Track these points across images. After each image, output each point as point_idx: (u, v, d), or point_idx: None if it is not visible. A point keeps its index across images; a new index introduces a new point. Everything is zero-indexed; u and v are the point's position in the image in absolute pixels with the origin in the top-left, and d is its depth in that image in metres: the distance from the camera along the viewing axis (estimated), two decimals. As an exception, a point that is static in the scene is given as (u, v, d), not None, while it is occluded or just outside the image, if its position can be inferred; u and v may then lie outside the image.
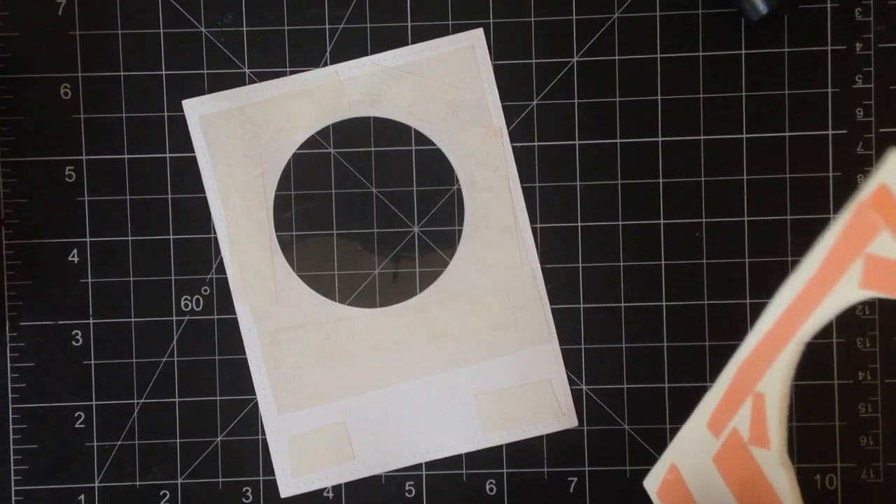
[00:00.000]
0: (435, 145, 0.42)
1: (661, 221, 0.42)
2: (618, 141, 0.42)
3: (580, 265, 0.42)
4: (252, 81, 0.42)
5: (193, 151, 0.42)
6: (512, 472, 0.42)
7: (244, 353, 0.42)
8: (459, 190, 0.42)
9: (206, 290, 0.42)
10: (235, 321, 0.42)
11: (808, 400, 0.42)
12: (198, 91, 0.42)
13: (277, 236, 0.42)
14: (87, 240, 0.42)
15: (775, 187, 0.42)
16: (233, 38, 0.42)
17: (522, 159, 0.42)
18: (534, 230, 0.42)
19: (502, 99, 0.42)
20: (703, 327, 0.42)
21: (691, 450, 0.33)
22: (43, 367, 0.42)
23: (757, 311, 0.42)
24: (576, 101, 0.42)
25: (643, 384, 0.42)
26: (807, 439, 0.42)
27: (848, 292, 0.24)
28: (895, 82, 0.42)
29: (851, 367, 0.42)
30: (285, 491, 0.42)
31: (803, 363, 0.41)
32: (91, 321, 0.42)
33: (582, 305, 0.42)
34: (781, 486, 0.29)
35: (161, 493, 0.42)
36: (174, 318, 0.42)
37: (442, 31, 0.42)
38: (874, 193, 0.23)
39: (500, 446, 0.42)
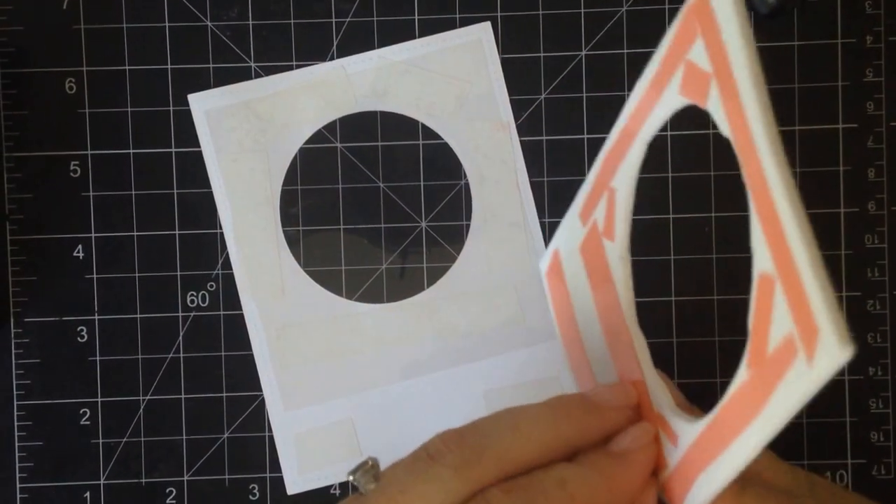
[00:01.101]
0: (442, 139, 0.42)
1: (671, 216, 0.42)
2: (626, 135, 0.41)
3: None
4: (258, 76, 0.42)
5: (199, 146, 0.41)
6: (520, 469, 0.42)
7: (250, 349, 0.41)
8: (467, 184, 0.42)
9: (212, 286, 0.42)
10: (242, 317, 0.42)
11: (819, 396, 0.41)
12: (203, 85, 0.41)
13: (284, 231, 0.42)
14: (93, 235, 0.42)
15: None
16: (239, 31, 0.42)
17: (530, 153, 0.42)
18: (542, 225, 0.42)
19: (510, 93, 0.41)
20: (712, 322, 0.41)
21: (566, 237, 0.34)
22: (48, 363, 0.42)
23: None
24: (584, 94, 0.42)
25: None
26: (817, 435, 0.41)
27: (672, 98, 0.25)
28: (906, 75, 0.41)
29: (862, 363, 0.41)
30: (292, 488, 0.42)
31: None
32: (96, 317, 0.42)
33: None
34: (619, 278, 0.31)
35: (167, 491, 0.42)
36: (180, 314, 0.42)
37: (449, 25, 0.42)
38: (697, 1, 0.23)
39: (509, 443, 0.42)
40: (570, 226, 0.33)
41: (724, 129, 0.23)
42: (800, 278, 0.21)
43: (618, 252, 0.31)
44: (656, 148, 0.41)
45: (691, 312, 0.41)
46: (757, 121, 0.21)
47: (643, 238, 0.41)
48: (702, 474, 0.25)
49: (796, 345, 0.21)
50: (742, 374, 0.24)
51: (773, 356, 0.22)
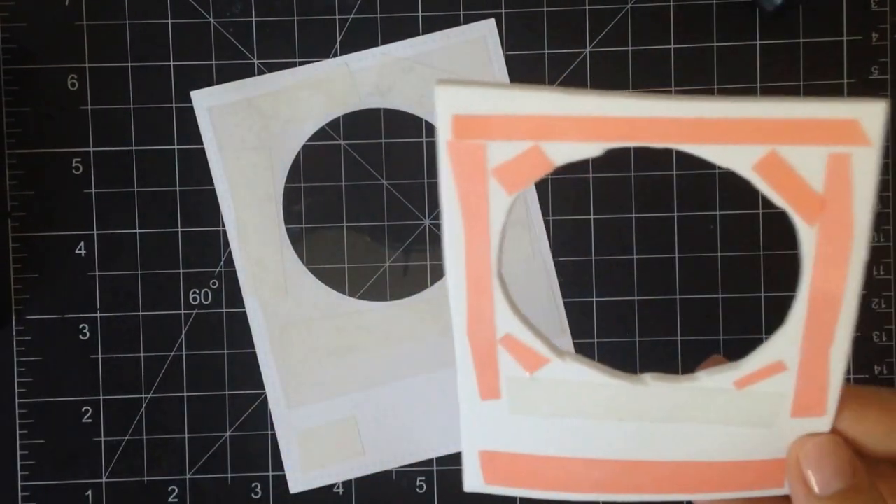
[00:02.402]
0: (446, 137, 0.41)
1: (675, 214, 0.41)
2: (631, 133, 0.41)
3: (593, 258, 0.41)
4: (261, 72, 0.41)
5: (202, 143, 0.41)
6: (524, 468, 0.42)
7: (253, 347, 0.41)
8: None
9: (214, 284, 0.41)
10: (244, 315, 0.41)
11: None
12: (206, 82, 0.41)
13: (287, 229, 0.41)
14: (95, 232, 0.41)
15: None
16: (242, 28, 0.41)
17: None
18: (546, 223, 0.41)
19: (514, 90, 0.41)
20: (716, 321, 0.41)
21: (483, 428, 0.30)
22: (50, 361, 0.41)
23: (771, 304, 0.41)
24: (588, 92, 0.41)
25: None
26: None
27: (498, 206, 0.25)
28: (912, 73, 0.41)
29: (867, 361, 0.41)
30: (295, 487, 0.41)
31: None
32: (98, 315, 0.41)
33: (594, 299, 0.41)
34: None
35: (169, 489, 0.41)
36: (182, 312, 0.41)
37: (453, 22, 0.41)
38: (454, 127, 0.24)
39: (512, 441, 0.41)
40: (483, 414, 0.29)
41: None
42: (798, 125, 0.23)
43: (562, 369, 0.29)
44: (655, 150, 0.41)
45: (695, 310, 0.41)
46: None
47: (646, 236, 0.41)
48: (832, 348, 0.25)
49: (843, 153, 0.23)
50: (807, 236, 0.25)
51: (828, 186, 0.24)
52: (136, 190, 0.41)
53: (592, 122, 0.24)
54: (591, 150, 0.25)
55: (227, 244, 0.41)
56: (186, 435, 0.41)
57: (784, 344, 0.25)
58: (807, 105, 0.22)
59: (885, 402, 0.26)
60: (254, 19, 0.41)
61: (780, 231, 0.41)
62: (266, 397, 0.41)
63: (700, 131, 0.24)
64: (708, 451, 0.28)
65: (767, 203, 0.41)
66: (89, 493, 0.41)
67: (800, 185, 0.24)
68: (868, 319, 0.41)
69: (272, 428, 0.41)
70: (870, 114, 0.22)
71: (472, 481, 0.30)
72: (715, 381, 0.27)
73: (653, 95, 0.24)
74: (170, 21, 0.41)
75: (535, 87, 0.24)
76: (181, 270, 0.41)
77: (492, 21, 0.41)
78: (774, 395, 0.26)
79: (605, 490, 0.29)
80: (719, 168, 0.42)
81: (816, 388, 0.26)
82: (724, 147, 0.24)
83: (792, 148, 0.23)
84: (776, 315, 0.41)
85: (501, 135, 0.24)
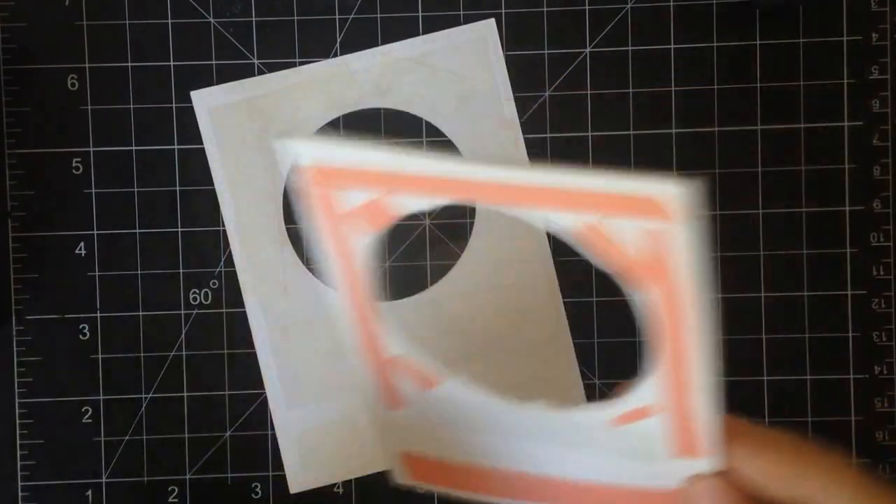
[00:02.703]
0: (446, 137, 0.41)
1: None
2: (631, 132, 0.41)
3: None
4: (261, 72, 0.41)
5: (202, 143, 0.41)
6: (524, 468, 0.42)
7: (253, 346, 0.41)
8: (423, 214, 0.41)
9: (214, 284, 0.41)
10: (244, 315, 0.41)
11: (824, 394, 0.41)
12: (206, 82, 0.41)
13: (287, 228, 0.41)
14: (95, 232, 0.41)
15: (790, 179, 0.41)
16: (242, 28, 0.41)
17: (535, 151, 0.41)
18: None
19: (514, 90, 0.41)
20: (717, 321, 0.41)
21: (393, 434, 0.32)
22: (50, 361, 0.41)
23: (770, 304, 0.41)
24: (588, 92, 0.41)
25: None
26: (822, 434, 0.41)
27: (361, 243, 0.27)
28: (911, 73, 0.41)
29: (867, 361, 0.41)
30: (295, 487, 0.41)
31: (818, 357, 0.41)
32: (98, 315, 0.41)
33: (595, 299, 0.41)
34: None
35: (169, 489, 0.41)
36: (182, 312, 0.41)
37: (453, 22, 0.41)
38: (314, 176, 0.26)
39: (512, 441, 0.41)
40: (392, 422, 0.32)
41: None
42: (615, 200, 0.23)
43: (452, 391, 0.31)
44: (660, 145, 0.41)
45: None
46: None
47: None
48: (692, 397, 0.26)
49: (653, 230, 0.23)
50: (654, 296, 0.25)
51: (647, 256, 0.24)
52: (136, 190, 0.41)
53: (429, 181, 0.25)
54: (424, 204, 0.26)
55: (227, 244, 0.41)
56: (186, 435, 0.41)
57: (653, 389, 0.26)
58: (620, 182, 0.23)
59: (780, 444, 0.26)
60: (254, 19, 0.41)
61: (781, 230, 0.41)
62: (266, 397, 0.41)
63: (528, 196, 0.24)
64: (597, 474, 0.29)
65: (767, 202, 0.42)
66: (89, 493, 0.41)
67: (618, 253, 0.24)
68: (868, 320, 0.41)
69: (272, 428, 0.41)
70: (668, 195, 0.22)
71: (399, 478, 0.33)
72: (590, 419, 0.28)
73: (481, 163, 0.25)
74: (170, 21, 0.41)
75: (376, 145, 0.25)
76: (181, 270, 0.41)
77: (492, 21, 0.41)
78: (648, 436, 0.27)
79: (510, 496, 0.31)
80: (719, 168, 0.42)
81: (687, 433, 0.26)
82: (548, 213, 0.24)
83: (612, 220, 0.24)
84: (775, 315, 0.41)
85: (346, 185, 0.26)
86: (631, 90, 0.41)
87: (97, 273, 0.41)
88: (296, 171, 0.26)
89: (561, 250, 0.41)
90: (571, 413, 0.28)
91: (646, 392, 0.26)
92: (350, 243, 0.27)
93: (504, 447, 0.30)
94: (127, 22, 0.41)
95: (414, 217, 0.41)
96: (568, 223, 0.24)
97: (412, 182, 0.25)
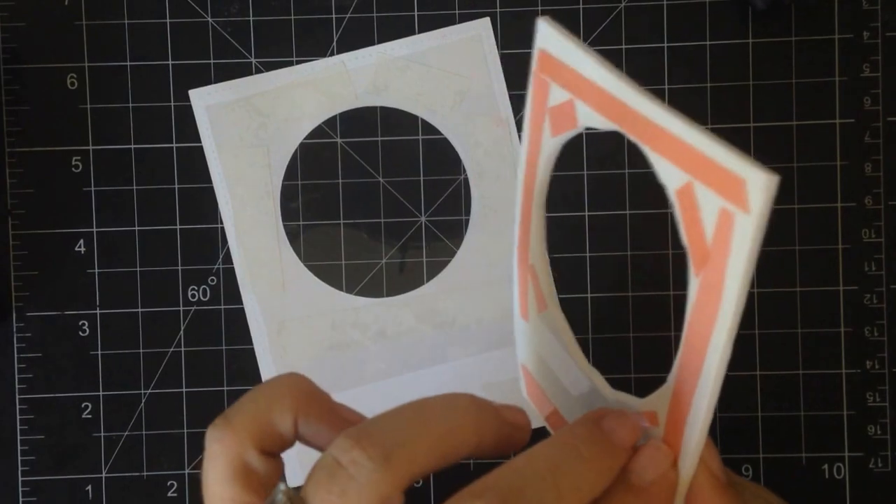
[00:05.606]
0: (442, 135, 0.42)
1: (669, 211, 0.42)
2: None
3: (588, 255, 0.42)
4: (259, 71, 0.42)
5: (200, 141, 0.42)
6: (519, 462, 0.42)
7: (251, 343, 0.42)
8: (466, 179, 0.42)
9: (213, 281, 0.42)
10: (242, 311, 0.42)
11: (817, 389, 0.42)
12: (204, 81, 0.42)
13: (284, 226, 0.42)
14: (94, 230, 0.42)
15: (782, 176, 0.42)
16: (239, 27, 0.42)
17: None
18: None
19: (509, 88, 0.42)
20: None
21: (520, 344, 0.33)
22: (49, 357, 0.42)
23: (762, 299, 0.42)
24: (583, 90, 0.42)
25: (651, 374, 0.42)
26: (815, 428, 0.42)
27: (546, 144, 0.28)
28: (903, 71, 0.42)
29: (859, 356, 0.42)
30: (292, 481, 0.42)
31: (811, 352, 0.42)
32: (98, 311, 0.42)
33: (589, 295, 0.42)
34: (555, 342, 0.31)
35: (168, 484, 0.42)
36: (181, 309, 0.42)
37: (449, 21, 0.42)
38: (539, 60, 0.27)
39: (508, 436, 0.42)
40: (520, 331, 0.32)
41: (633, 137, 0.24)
42: (712, 167, 0.22)
43: (555, 314, 0.31)
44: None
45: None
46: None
47: (641, 232, 0.42)
48: (690, 410, 0.25)
49: (729, 210, 0.21)
50: (692, 285, 0.23)
51: (714, 240, 0.22)
52: (134, 188, 0.42)
53: (608, 98, 0.25)
54: (599, 123, 0.26)
55: (225, 241, 0.42)
56: (185, 430, 0.42)
57: (661, 396, 0.26)
58: (715, 147, 0.21)
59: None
60: (251, 19, 0.42)
61: (772, 227, 0.42)
62: (264, 393, 0.42)
63: (655, 137, 0.24)
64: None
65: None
66: (89, 487, 0.42)
67: (698, 228, 0.22)
68: (860, 315, 0.42)
69: (270, 423, 0.42)
70: (755, 179, 0.21)
71: (523, 390, 0.33)
72: (620, 404, 0.28)
73: (646, 93, 0.24)
74: (168, 21, 0.42)
75: (592, 53, 0.25)
76: (180, 267, 0.42)
77: (487, 20, 0.42)
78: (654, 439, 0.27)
79: None
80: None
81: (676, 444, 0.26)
82: (664, 161, 0.23)
83: (702, 186, 0.22)
84: (768, 310, 0.42)
85: (560, 80, 0.26)
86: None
87: (96, 270, 0.42)
88: (533, 51, 0.27)
89: (556, 246, 0.42)
90: (618, 394, 0.28)
91: (657, 396, 0.26)
92: (542, 140, 0.28)
93: (563, 400, 0.30)
94: (126, 21, 0.42)
95: (410, 214, 0.42)
96: (673, 178, 0.23)
97: (597, 95, 0.25)
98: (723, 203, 0.21)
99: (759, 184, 0.21)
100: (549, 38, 0.26)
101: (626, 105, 0.24)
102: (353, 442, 0.24)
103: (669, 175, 0.23)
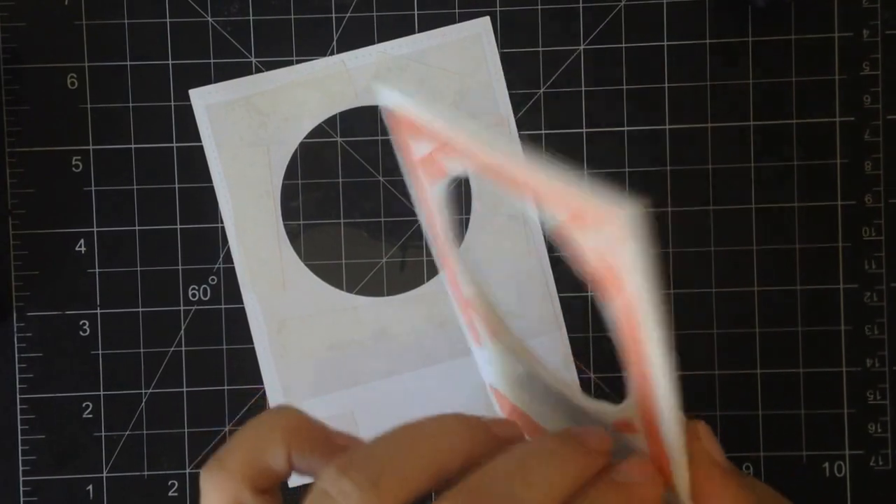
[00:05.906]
0: (442, 134, 0.42)
1: (669, 209, 0.42)
2: (625, 129, 0.42)
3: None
4: (259, 71, 0.42)
5: (200, 141, 0.42)
6: (520, 461, 0.42)
7: (251, 342, 0.42)
8: (466, 178, 0.42)
9: (213, 280, 0.42)
10: (243, 311, 0.42)
11: (817, 387, 0.42)
12: (204, 81, 0.42)
13: (285, 225, 0.42)
14: (95, 230, 0.42)
15: (782, 175, 0.42)
16: (239, 27, 0.42)
17: (529, 148, 0.42)
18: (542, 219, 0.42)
19: (509, 87, 0.42)
20: (710, 315, 0.42)
21: (483, 369, 0.34)
22: (50, 357, 0.42)
23: (762, 298, 0.42)
24: (583, 89, 0.42)
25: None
26: (815, 426, 0.42)
27: (430, 191, 0.29)
28: (902, 69, 0.42)
29: (860, 355, 0.42)
30: (293, 480, 0.42)
31: (811, 350, 0.42)
32: (98, 311, 0.42)
33: (590, 293, 0.42)
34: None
35: (169, 483, 0.42)
36: (182, 308, 0.42)
37: (448, 20, 0.42)
38: (390, 121, 0.28)
39: (509, 435, 0.42)
40: (479, 356, 0.33)
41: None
42: (579, 205, 0.22)
43: (509, 344, 0.31)
44: (654, 142, 0.42)
45: (690, 305, 0.42)
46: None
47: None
48: (661, 422, 0.25)
49: (605, 245, 0.22)
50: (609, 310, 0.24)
51: (604, 271, 0.23)
52: (135, 187, 0.42)
53: (463, 148, 0.26)
54: (460, 169, 0.27)
55: (225, 241, 0.42)
56: (186, 430, 0.42)
57: (631, 405, 0.25)
58: (578, 187, 0.22)
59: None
60: (251, 18, 0.42)
61: (773, 226, 0.42)
62: (265, 392, 0.42)
63: (518, 183, 0.24)
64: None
65: (760, 198, 0.42)
66: (90, 487, 0.42)
67: (588, 262, 0.23)
68: (861, 313, 0.42)
69: (271, 422, 0.42)
70: (615, 213, 0.21)
71: (499, 412, 0.33)
72: (599, 414, 0.28)
73: (497, 141, 0.25)
74: (168, 20, 0.42)
75: (437, 107, 0.26)
76: (180, 267, 0.42)
77: (486, 19, 0.42)
78: (640, 452, 0.26)
79: None
80: (712, 164, 0.42)
81: (662, 457, 0.25)
82: (536, 206, 0.24)
83: (573, 226, 0.23)
84: (768, 308, 0.42)
85: (417, 135, 0.27)
86: (625, 87, 0.42)
87: (97, 270, 0.42)
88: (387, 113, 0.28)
89: (556, 245, 0.42)
90: (591, 402, 0.28)
91: (629, 405, 0.26)
92: (425, 188, 0.29)
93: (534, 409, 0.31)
94: (126, 21, 0.42)
95: (410, 213, 0.42)
96: (550, 220, 0.24)
97: (455, 146, 0.26)
98: (597, 237, 0.22)
99: (624, 218, 0.21)
100: (390, 98, 0.27)
101: (479, 155, 0.25)
102: (341, 471, 0.24)
103: (545, 215, 0.24)
